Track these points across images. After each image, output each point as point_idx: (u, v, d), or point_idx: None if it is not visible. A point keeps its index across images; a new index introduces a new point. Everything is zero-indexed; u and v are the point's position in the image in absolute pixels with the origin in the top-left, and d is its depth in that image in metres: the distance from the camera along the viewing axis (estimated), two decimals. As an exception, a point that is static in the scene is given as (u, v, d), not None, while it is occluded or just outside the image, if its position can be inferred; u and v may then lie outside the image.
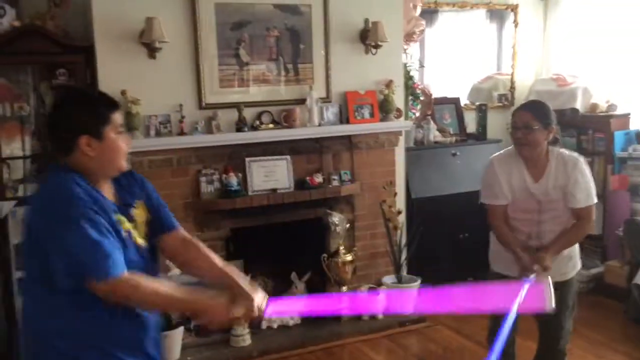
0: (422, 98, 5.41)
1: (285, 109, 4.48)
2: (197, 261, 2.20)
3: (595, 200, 3.07)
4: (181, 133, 4.16)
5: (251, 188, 4.35)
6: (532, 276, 2.87)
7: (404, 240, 4.90)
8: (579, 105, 5.54)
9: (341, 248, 4.61)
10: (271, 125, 4.45)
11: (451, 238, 5.25)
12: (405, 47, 5.18)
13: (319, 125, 4.53)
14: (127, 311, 1.97)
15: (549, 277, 2.85)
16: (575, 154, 3.08)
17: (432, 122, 5.45)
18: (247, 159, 4.38)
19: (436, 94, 5.64)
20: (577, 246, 3.18)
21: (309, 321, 4.61)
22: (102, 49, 3.97)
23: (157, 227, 2.18)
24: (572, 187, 2.99)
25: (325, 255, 4.63)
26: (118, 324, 1.97)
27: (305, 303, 2.04)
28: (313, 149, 4.60)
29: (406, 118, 5.08)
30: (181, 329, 4.12)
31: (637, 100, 5.35)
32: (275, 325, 4.51)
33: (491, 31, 6.14)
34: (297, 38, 4.52)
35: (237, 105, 4.30)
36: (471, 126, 5.79)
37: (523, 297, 2.68)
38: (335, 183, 4.62)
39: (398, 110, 4.85)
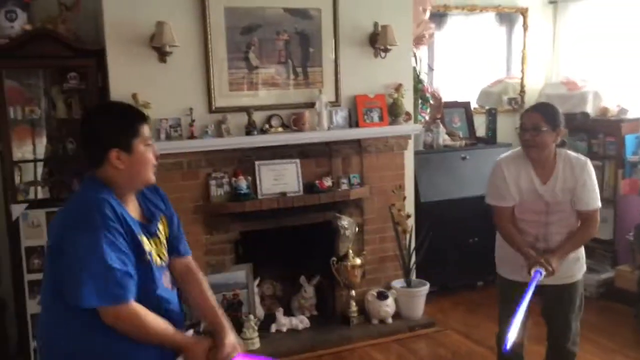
0: (431, 102, 5.40)
1: (295, 113, 4.49)
2: (193, 294, 2.25)
3: (600, 204, 3.08)
4: (191, 137, 4.18)
5: (260, 191, 4.36)
6: (542, 269, 2.88)
7: (413, 244, 4.89)
8: (589, 109, 5.51)
9: (350, 252, 4.60)
10: (280, 129, 4.45)
11: (461, 242, 5.25)
12: (415, 50, 5.17)
13: (328, 128, 4.53)
14: None
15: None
16: (583, 156, 3.09)
17: (441, 125, 5.44)
18: (256, 163, 4.39)
19: (446, 97, 5.63)
20: (582, 248, 3.19)
21: (319, 325, 4.62)
22: (113, 52, 3.99)
23: (172, 247, 2.22)
24: (580, 189, 3.00)
25: (334, 258, 4.63)
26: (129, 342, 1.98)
27: None
28: (322, 152, 4.61)
29: (415, 122, 5.07)
30: (190, 332, 4.12)
31: (647, 104, 5.33)
32: (284, 329, 4.51)
33: (501, 34, 6.13)
34: (307, 42, 4.53)
35: (246, 109, 4.31)
36: (481, 130, 5.78)
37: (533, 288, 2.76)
38: (345, 187, 4.62)
39: (407, 113, 4.84)
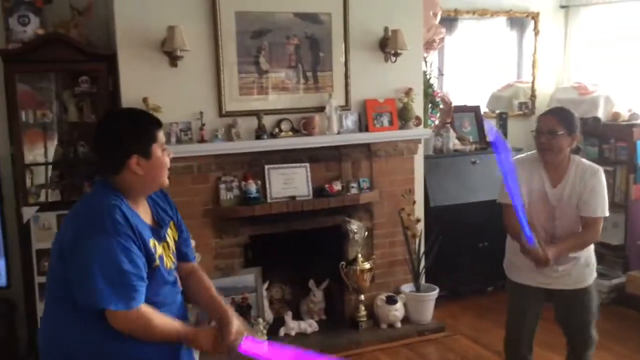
0: (441, 106, 5.39)
1: (305, 117, 4.50)
2: (196, 289, 2.30)
3: (607, 213, 3.07)
4: (201, 140, 4.19)
5: (270, 195, 4.37)
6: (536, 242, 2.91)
7: (422, 249, 4.88)
8: (600, 114, 5.49)
9: (359, 256, 4.60)
10: (290, 133, 4.46)
11: (470, 247, 5.23)
12: (425, 55, 5.17)
13: (338, 133, 4.54)
14: None
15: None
16: (596, 165, 3.09)
17: (451, 130, 5.43)
18: (266, 167, 4.40)
19: (456, 101, 5.62)
20: (592, 253, 3.19)
21: (327, 329, 4.62)
22: (124, 57, 4.01)
23: (180, 252, 2.26)
24: (588, 194, 3.01)
25: (343, 263, 4.62)
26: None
27: (278, 353, 2.11)
28: (332, 156, 4.61)
29: (425, 126, 5.07)
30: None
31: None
32: (293, 333, 4.51)
33: (511, 39, 6.12)
34: (317, 46, 4.54)
35: (256, 113, 4.32)
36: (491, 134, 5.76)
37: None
38: (354, 191, 4.62)
39: (417, 118, 4.84)
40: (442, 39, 5.38)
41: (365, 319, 4.66)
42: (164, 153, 2.09)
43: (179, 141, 4.15)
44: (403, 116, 4.74)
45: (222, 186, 4.30)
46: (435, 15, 5.22)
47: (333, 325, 4.70)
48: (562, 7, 6.13)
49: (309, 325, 4.58)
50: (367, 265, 4.60)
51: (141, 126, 2.07)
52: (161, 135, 2.09)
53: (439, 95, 5.38)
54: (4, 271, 4.03)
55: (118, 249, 1.89)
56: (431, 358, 4.35)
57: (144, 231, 2.01)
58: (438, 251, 4.81)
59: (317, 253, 4.79)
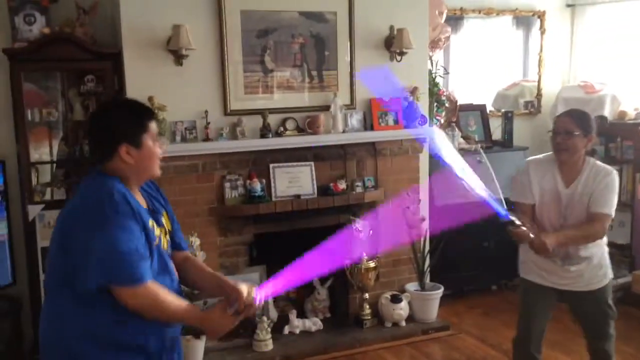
0: (447, 105, 5.38)
1: (310, 116, 4.50)
2: (192, 271, 2.33)
3: (613, 214, 3.08)
4: (206, 139, 4.20)
5: (275, 194, 4.37)
6: (516, 222, 2.93)
7: (427, 248, 4.88)
8: (607, 112, 5.47)
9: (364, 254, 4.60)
10: (295, 132, 4.47)
11: (475, 246, 5.22)
12: (431, 53, 5.16)
13: (343, 131, 4.54)
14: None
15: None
16: (610, 167, 3.13)
17: (456, 129, 5.42)
18: (271, 165, 4.40)
19: (461, 100, 5.61)
20: (606, 255, 3.21)
21: (332, 327, 4.62)
22: (129, 56, 4.02)
23: (173, 242, 2.30)
24: (598, 192, 3.03)
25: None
26: (142, 325, 2.03)
27: (288, 275, 2.23)
28: (337, 155, 4.61)
29: (431, 125, 5.06)
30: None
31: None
32: (297, 331, 4.52)
33: (517, 38, 6.11)
34: (322, 45, 4.54)
35: (261, 112, 4.33)
36: (496, 133, 5.75)
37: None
38: (359, 189, 4.62)
39: (423, 117, 4.83)
40: (447, 38, 5.37)
41: (369, 317, 4.66)
42: (156, 144, 2.11)
43: (184, 140, 4.17)
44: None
45: (227, 185, 4.31)
46: (441, 14, 5.21)
47: (337, 323, 4.71)
48: (569, 5, 6.11)
49: (314, 324, 4.59)
50: (371, 264, 4.60)
51: (132, 115, 2.10)
52: (153, 126, 2.11)
53: (445, 94, 5.37)
54: (9, 268, 4.05)
55: (120, 228, 1.92)
56: (435, 357, 4.35)
57: (142, 213, 2.05)
58: (442, 250, 4.80)
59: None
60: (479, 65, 5.93)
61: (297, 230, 4.51)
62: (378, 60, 4.69)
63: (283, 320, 4.57)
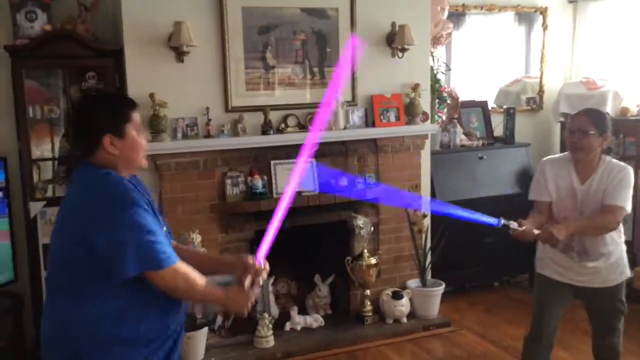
0: (448, 101, 5.38)
1: (311, 112, 4.49)
2: (190, 260, 2.32)
3: (629, 209, 3.11)
4: (208, 136, 4.20)
5: (276, 191, 4.37)
6: (511, 224, 3.00)
7: (428, 244, 4.88)
8: (609, 109, 5.44)
9: (365, 251, 4.60)
10: (297, 128, 4.47)
11: (476, 243, 5.21)
12: (433, 50, 5.16)
13: (345, 128, 4.54)
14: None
15: None
16: (625, 164, 3.17)
17: (458, 125, 5.42)
18: (272, 162, 4.40)
19: (463, 97, 5.60)
20: (624, 254, 3.25)
21: (333, 324, 4.63)
22: (131, 52, 4.02)
23: None
24: (613, 187, 3.08)
25: (349, 258, 4.63)
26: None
27: (272, 224, 2.36)
28: (338, 152, 4.61)
29: (432, 121, 5.06)
30: (205, 329, 4.16)
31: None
32: (299, 328, 4.53)
33: (519, 34, 6.09)
34: (324, 41, 4.53)
35: (263, 108, 4.33)
36: (498, 130, 5.74)
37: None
38: (361, 186, 4.62)
39: (424, 113, 4.83)
40: (449, 34, 5.36)
41: (370, 314, 4.67)
42: (140, 134, 2.12)
43: (185, 136, 4.17)
44: (410, 111, 4.73)
45: (228, 181, 4.31)
46: (442, 10, 5.21)
47: (339, 320, 4.71)
48: (571, 1, 6.09)
49: (315, 320, 4.59)
50: (373, 261, 4.60)
51: (114, 106, 2.11)
52: (136, 116, 2.12)
53: (446, 90, 5.37)
54: (11, 266, 4.05)
55: (143, 215, 1.96)
56: (437, 353, 4.35)
57: (150, 201, 2.10)
58: (444, 247, 4.80)
59: (323, 248, 4.79)
60: (481, 62, 5.92)
61: (298, 227, 4.51)
62: (380, 57, 4.69)
63: (284, 316, 4.57)
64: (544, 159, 3.36)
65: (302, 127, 4.49)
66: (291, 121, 4.47)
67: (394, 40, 4.64)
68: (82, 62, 4.10)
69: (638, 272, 5.04)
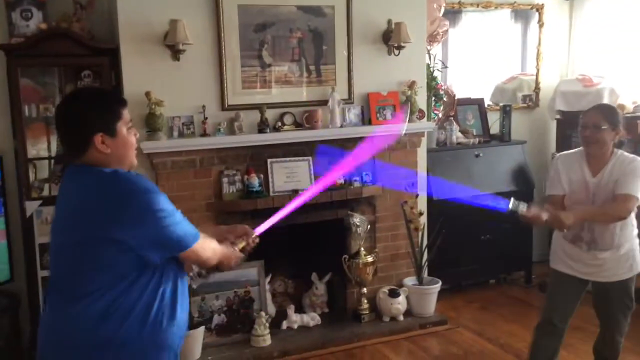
0: (445, 99, 5.38)
1: (307, 110, 4.49)
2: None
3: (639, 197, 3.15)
4: (204, 134, 4.19)
5: (272, 189, 4.37)
6: (520, 207, 3.01)
7: (425, 242, 4.88)
8: (605, 106, 5.46)
9: (362, 249, 4.61)
10: (293, 127, 4.46)
11: (473, 240, 5.23)
12: (429, 47, 5.15)
13: (341, 126, 4.54)
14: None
15: None
16: (635, 155, 3.23)
17: (454, 123, 5.42)
18: (268, 160, 4.40)
19: (459, 94, 5.60)
20: (636, 248, 3.29)
21: (330, 322, 4.64)
22: (126, 51, 4.01)
23: None
24: (624, 177, 3.14)
25: (345, 256, 4.63)
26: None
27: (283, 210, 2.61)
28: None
29: (429, 119, 5.06)
30: (202, 328, 4.16)
31: (664, 102, 5.27)
32: (295, 326, 4.53)
33: (516, 31, 6.09)
34: (320, 39, 4.53)
35: (259, 107, 4.32)
36: (495, 127, 5.74)
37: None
38: (357, 184, 4.62)
39: (420, 111, 4.83)
40: (445, 32, 5.36)
41: (367, 312, 4.67)
42: (130, 132, 2.09)
43: (181, 135, 4.16)
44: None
45: (225, 180, 4.30)
46: (439, 7, 5.20)
47: (335, 318, 4.72)
48: (567, -2, 6.10)
49: (312, 319, 4.60)
50: (369, 259, 4.61)
51: (105, 103, 2.07)
52: (126, 114, 2.09)
53: (443, 88, 5.37)
54: (7, 265, 4.04)
55: (161, 197, 1.99)
56: (433, 351, 4.36)
57: None
58: (441, 244, 4.81)
59: (320, 246, 4.79)
60: (477, 59, 5.91)
61: (295, 225, 4.50)
62: (376, 55, 4.69)
63: (281, 315, 4.58)
64: (558, 154, 3.46)
65: (299, 125, 4.49)
66: (288, 119, 4.46)
67: (390, 38, 4.64)
68: (78, 60, 4.09)
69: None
